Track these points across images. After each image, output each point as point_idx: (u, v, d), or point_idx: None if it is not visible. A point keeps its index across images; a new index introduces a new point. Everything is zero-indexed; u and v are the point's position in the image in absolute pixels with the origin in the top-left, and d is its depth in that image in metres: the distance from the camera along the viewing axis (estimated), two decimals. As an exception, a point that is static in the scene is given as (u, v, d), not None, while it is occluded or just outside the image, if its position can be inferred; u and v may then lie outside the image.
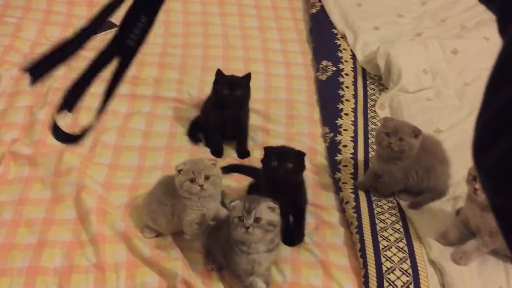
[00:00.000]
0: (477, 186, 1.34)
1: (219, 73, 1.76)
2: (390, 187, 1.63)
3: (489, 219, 1.35)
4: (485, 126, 0.45)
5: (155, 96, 2.02)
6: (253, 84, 2.09)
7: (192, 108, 1.99)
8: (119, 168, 1.72)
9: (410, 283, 1.36)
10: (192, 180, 1.34)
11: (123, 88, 2.03)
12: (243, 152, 1.84)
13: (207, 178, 1.35)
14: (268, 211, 1.27)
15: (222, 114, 1.79)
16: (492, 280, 1.37)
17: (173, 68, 2.19)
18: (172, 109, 1.98)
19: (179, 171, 1.36)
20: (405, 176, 1.59)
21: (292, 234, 1.51)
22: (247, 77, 1.77)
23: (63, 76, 2.03)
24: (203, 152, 1.83)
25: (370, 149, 1.84)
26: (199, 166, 1.35)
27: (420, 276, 1.37)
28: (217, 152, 1.82)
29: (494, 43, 2.29)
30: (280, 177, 1.44)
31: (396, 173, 1.59)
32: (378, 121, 1.98)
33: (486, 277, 1.37)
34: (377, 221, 1.53)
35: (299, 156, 1.48)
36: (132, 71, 2.10)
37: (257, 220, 1.25)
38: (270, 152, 1.48)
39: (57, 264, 1.37)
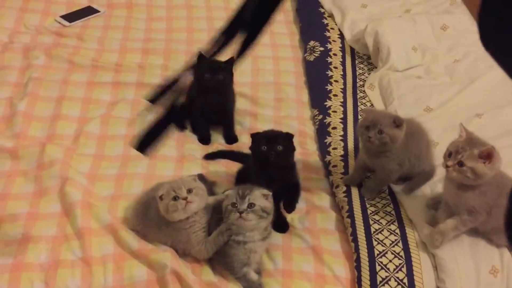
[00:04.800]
0: (450, 162, 1.28)
1: (200, 56, 1.71)
2: (386, 181, 1.56)
3: (465, 198, 1.32)
4: None
5: (139, 82, 1.97)
6: (239, 67, 2.05)
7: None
8: (104, 158, 1.67)
9: (403, 266, 1.34)
10: (175, 198, 1.29)
11: (106, 76, 1.98)
12: (231, 138, 1.80)
13: (189, 191, 1.30)
14: (262, 198, 1.29)
15: (205, 99, 1.75)
16: (485, 259, 1.35)
17: (157, 53, 2.13)
18: (157, 96, 1.93)
19: (161, 197, 1.30)
20: (399, 166, 1.51)
21: (284, 207, 1.47)
22: (230, 61, 1.73)
23: (43, 66, 1.98)
24: (190, 139, 1.79)
25: (360, 131, 1.80)
26: (178, 183, 1.31)
27: (413, 259, 1.35)
28: (204, 139, 1.79)
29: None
30: (271, 160, 1.41)
31: (389, 165, 1.50)
32: (368, 101, 1.95)
33: (479, 257, 1.35)
34: (368, 204, 1.51)
35: (287, 138, 1.45)
36: (114, 57, 2.08)
37: (250, 205, 1.26)
38: (258, 137, 1.45)
39: (43, 260, 1.33)
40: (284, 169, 1.46)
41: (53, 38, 2.15)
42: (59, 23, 2.24)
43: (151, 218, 1.37)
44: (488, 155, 1.25)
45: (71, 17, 2.27)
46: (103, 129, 1.77)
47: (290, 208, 1.46)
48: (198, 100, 1.77)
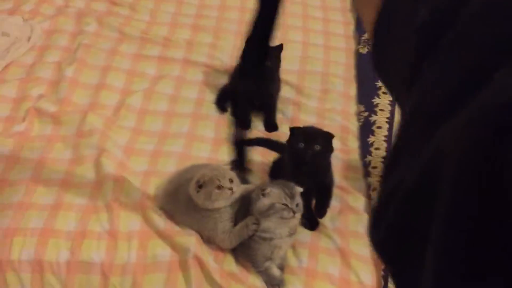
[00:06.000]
0: None
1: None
2: None
3: None
4: (380, 201, 0.45)
5: (186, 59, 1.95)
6: (288, 53, 1.99)
7: (223, 75, 1.90)
8: (142, 133, 1.67)
9: (433, 283, 1.27)
10: (219, 187, 1.28)
11: (153, 49, 1.97)
12: (271, 126, 1.76)
13: (231, 181, 1.29)
14: (300, 196, 1.28)
15: (249, 84, 1.71)
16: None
17: (207, 31, 2.10)
18: (202, 75, 1.91)
19: (201, 185, 1.29)
20: None
21: (315, 211, 1.44)
22: (279, 48, 1.68)
23: (94, 33, 1.99)
24: (230, 122, 1.76)
25: (406, 133, 1.72)
26: (220, 172, 1.31)
27: (445, 277, 1.28)
28: (244, 124, 1.75)
29: None
30: (306, 159, 1.37)
31: None
32: (418, 102, 1.85)
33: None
34: (404, 212, 1.44)
35: (327, 138, 1.39)
36: (164, 31, 2.06)
37: (297, 205, 1.26)
38: (297, 133, 1.40)
39: (71, 228, 1.35)
40: (318, 169, 1.41)
41: (107, 6, 2.15)
42: (115, -9, 2.24)
43: (180, 201, 1.36)
44: None
45: (127, -15, 2.27)
46: (144, 103, 1.76)
47: (321, 213, 1.43)
48: (242, 84, 1.73)
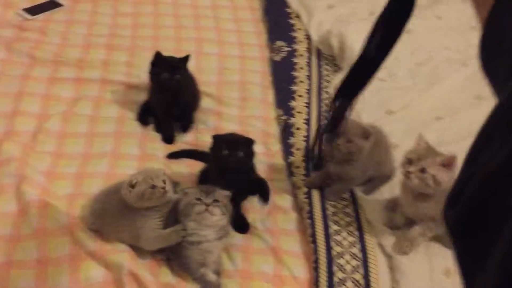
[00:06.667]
0: (412, 169, 1.29)
1: (158, 55, 1.69)
2: (350, 186, 1.57)
3: (423, 208, 1.35)
4: (460, 181, 0.48)
5: (103, 79, 1.94)
6: (205, 66, 2.05)
7: (142, 91, 1.91)
8: (63, 156, 1.64)
9: (360, 267, 1.36)
10: (154, 186, 1.30)
11: (68, 72, 1.94)
12: (186, 125, 1.80)
13: (164, 181, 1.32)
14: (223, 197, 1.32)
15: (164, 97, 1.73)
16: (440, 261, 1.38)
17: (122, 49, 2.10)
18: (120, 93, 1.91)
19: (133, 185, 1.31)
20: (362, 172, 1.54)
21: (261, 201, 1.55)
22: (185, 59, 1.72)
23: (3, 60, 1.93)
24: (154, 137, 1.78)
25: (323, 132, 1.82)
26: (154, 172, 1.34)
27: (369, 260, 1.37)
28: (168, 139, 1.77)
29: (446, 21, 2.29)
30: (231, 165, 1.42)
31: (353, 173, 1.52)
32: (332, 102, 1.96)
33: (434, 259, 1.38)
34: (328, 206, 1.53)
35: (248, 143, 1.45)
36: (77, 53, 2.04)
37: (215, 201, 1.29)
38: (220, 140, 1.45)
39: (-4, 260, 1.30)
40: (242, 173, 1.46)
41: (15, 32, 2.09)
42: (21, 16, 2.18)
43: (111, 210, 1.36)
44: (450, 163, 1.27)
45: (33, 10, 2.22)
46: (63, 126, 1.73)
47: (267, 200, 1.55)
48: (156, 98, 1.76)
